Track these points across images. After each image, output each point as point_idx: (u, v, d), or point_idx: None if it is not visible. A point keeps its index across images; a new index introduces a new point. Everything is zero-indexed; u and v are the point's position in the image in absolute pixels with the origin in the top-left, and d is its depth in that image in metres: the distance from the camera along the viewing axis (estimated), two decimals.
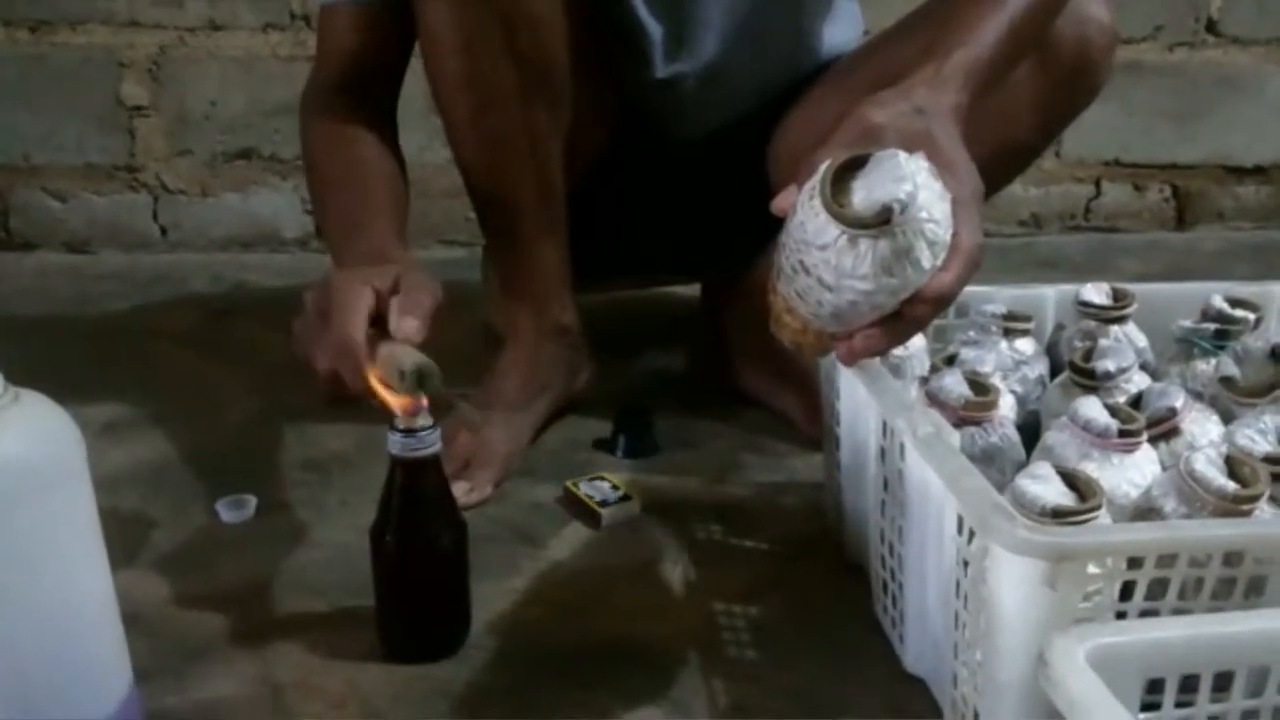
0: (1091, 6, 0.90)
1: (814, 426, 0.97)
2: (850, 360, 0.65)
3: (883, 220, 0.59)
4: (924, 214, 0.59)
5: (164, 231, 1.62)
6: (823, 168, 0.61)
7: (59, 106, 1.54)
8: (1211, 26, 1.73)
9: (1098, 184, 1.81)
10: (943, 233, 0.61)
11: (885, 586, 0.77)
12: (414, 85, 1.04)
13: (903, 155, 0.60)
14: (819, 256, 0.61)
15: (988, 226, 1.88)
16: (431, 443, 0.70)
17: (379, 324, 0.70)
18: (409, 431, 0.69)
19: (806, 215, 0.61)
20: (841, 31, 1.07)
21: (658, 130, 1.07)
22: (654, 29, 0.99)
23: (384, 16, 0.93)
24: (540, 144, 0.94)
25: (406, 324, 0.69)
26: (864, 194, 0.60)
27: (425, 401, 0.69)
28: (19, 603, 0.53)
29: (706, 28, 0.99)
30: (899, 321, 0.63)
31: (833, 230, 0.60)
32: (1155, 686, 0.48)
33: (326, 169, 0.92)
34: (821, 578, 0.85)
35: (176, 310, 1.39)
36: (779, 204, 0.65)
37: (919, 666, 0.73)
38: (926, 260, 0.60)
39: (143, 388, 1.14)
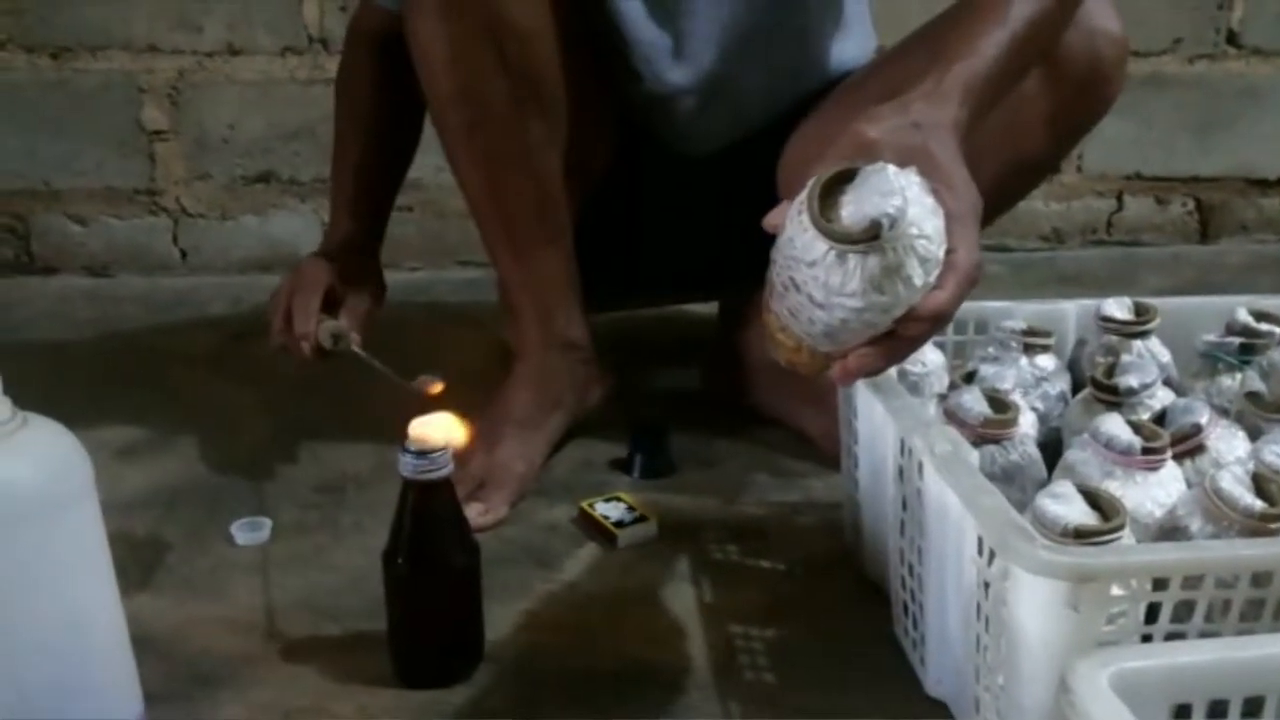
0: (1101, 18, 0.89)
1: (832, 446, 0.95)
2: (846, 380, 0.63)
3: (871, 236, 0.57)
4: (914, 229, 0.58)
5: (184, 255, 1.63)
6: (811, 182, 0.60)
7: (80, 131, 1.55)
8: (1232, 38, 1.71)
9: (1119, 198, 1.79)
10: (935, 249, 0.59)
11: (905, 608, 0.75)
12: None
13: (892, 169, 0.59)
14: (808, 273, 0.59)
15: (1008, 241, 1.86)
16: (443, 464, 0.70)
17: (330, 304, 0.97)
18: (421, 453, 0.69)
19: (795, 231, 0.60)
20: (852, 47, 1.06)
21: (663, 146, 1.07)
22: (650, 41, 0.98)
23: None
24: (536, 157, 0.93)
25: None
26: (852, 209, 0.58)
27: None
28: (25, 626, 0.52)
29: (705, 40, 0.98)
30: (894, 340, 0.62)
31: (821, 246, 0.58)
32: (1182, 712, 0.47)
33: (339, 119, 1.08)
34: (840, 599, 0.84)
35: (195, 332, 1.39)
36: (770, 220, 0.63)
37: (941, 690, 0.71)
38: (918, 277, 0.59)
39: (160, 410, 1.14)
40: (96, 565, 0.56)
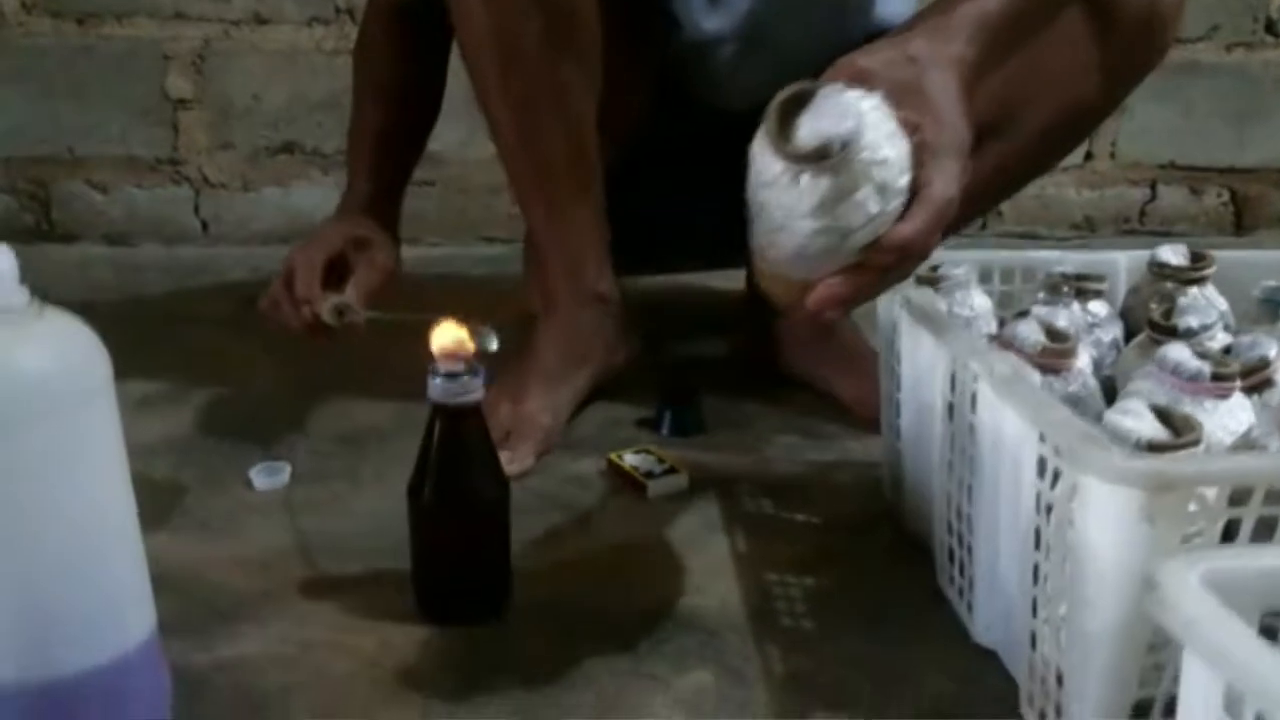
0: None
1: (868, 411, 0.93)
2: (817, 310, 0.61)
3: (821, 156, 0.56)
4: (868, 154, 0.56)
5: (205, 225, 1.61)
6: (772, 102, 0.59)
7: (104, 98, 1.54)
8: (1270, 27, 1.68)
9: (1153, 187, 1.75)
10: (893, 177, 0.58)
11: (951, 554, 0.72)
12: (457, 85, 1.02)
13: (851, 92, 0.58)
14: (768, 195, 0.59)
15: (1038, 229, 1.83)
16: (474, 389, 0.67)
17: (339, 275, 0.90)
18: (451, 375, 0.66)
19: (758, 150, 0.59)
20: (894, 3, 1.04)
21: (699, 100, 1.04)
22: None
23: None
24: (571, 100, 0.91)
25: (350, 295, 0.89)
26: (808, 129, 0.58)
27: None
28: (39, 520, 0.50)
29: None
30: (863, 270, 0.60)
31: (776, 166, 0.58)
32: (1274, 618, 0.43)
33: (358, 87, 1.05)
34: (880, 552, 0.81)
35: (215, 297, 1.37)
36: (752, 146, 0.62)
37: (989, 635, 0.68)
38: (874, 203, 0.57)
39: (179, 367, 1.12)
40: (113, 462, 0.53)
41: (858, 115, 0.57)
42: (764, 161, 0.59)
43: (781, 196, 0.58)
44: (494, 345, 0.75)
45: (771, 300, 0.66)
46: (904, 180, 0.59)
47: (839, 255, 0.60)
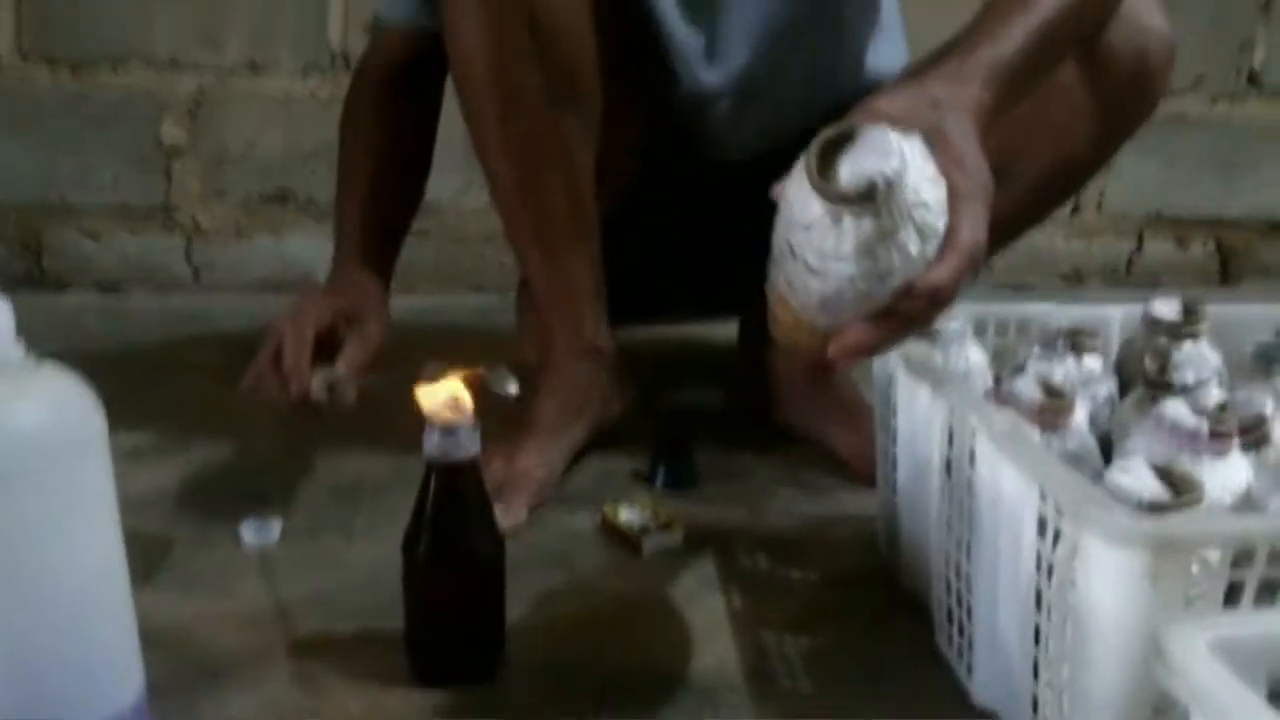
0: (1149, 16, 0.88)
1: (864, 465, 0.92)
2: (841, 358, 0.61)
3: (866, 196, 0.55)
4: (912, 195, 0.56)
5: (197, 273, 1.61)
6: (812, 142, 0.58)
7: (97, 146, 1.55)
8: (1254, 79, 1.71)
9: (1139, 238, 1.77)
10: (934, 219, 0.57)
11: (950, 614, 0.71)
12: (451, 133, 1.03)
13: (892, 132, 0.57)
14: (804, 237, 0.57)
15: (1028, 279, 1.84)
16: (471, 444, 0.66)
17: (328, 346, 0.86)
18: (447, 431, 0.66)
19: (794, 192, 0.58)
20: (888, 52, 1.05)
21: (694, 155, 1.05)
22: (685, 39, 0.97)
23: (434, 41, 0.94)
24: (569, 150, 0.91)
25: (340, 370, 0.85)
26: (850, 169, 0.56)
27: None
28: (29, 577, 0.49)
29: (740, 40, 0.97)
30: (891, 317, 0.60)
31: (817, 207, 0.56)
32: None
33: (345, 158, 1.04)
34: (878, 610, 0.80)
35: (206, 345, 1.37)
36: (776, 188, 0.61)
37: (989, 696, 0.67)
38: (914, 246, 0.56)
39: (169, 416, 1.11)
40: (106, 518, 0.52)
41: (901, 155, 0.56)
42: (800, 203, 0.58)
43: (820, 239, 0.57)
44: (513, 389, 0.74)
45: (793, 347, 0.64)
46: (941, 224, 0.58)
47: (871, 300, 0.58)
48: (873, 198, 0.55)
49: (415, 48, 1.00)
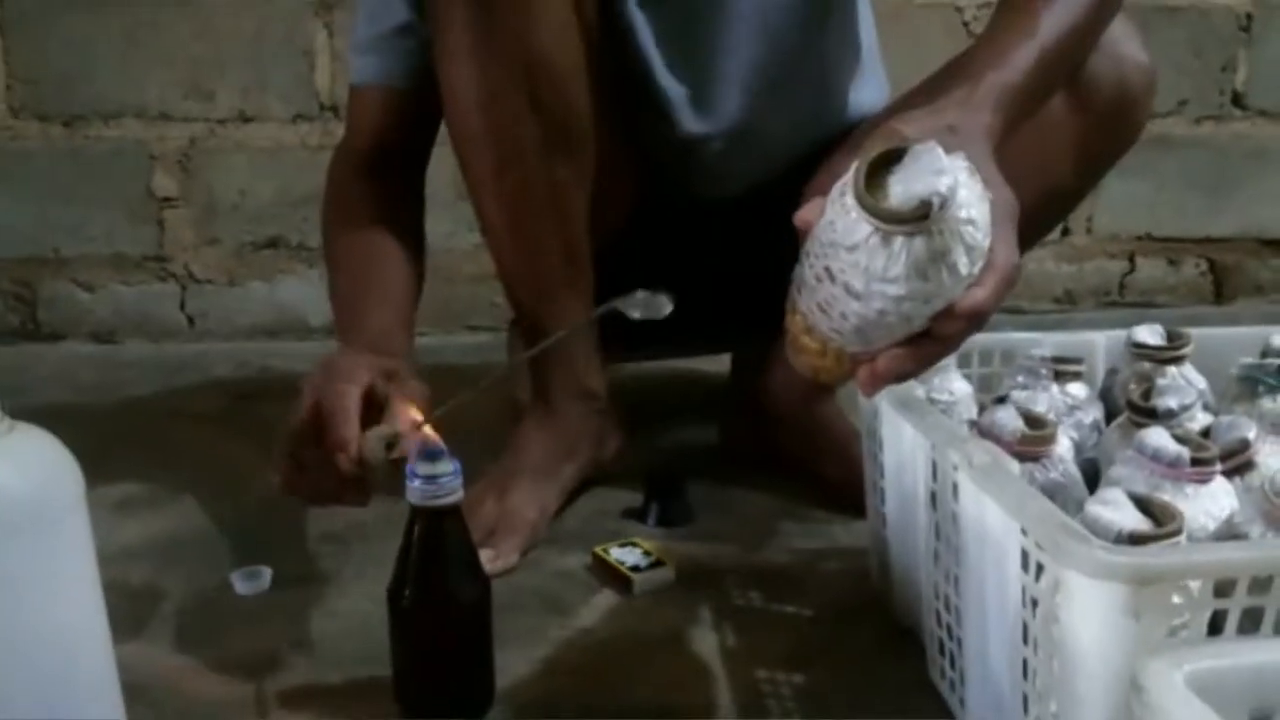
0: (1128, 46, 0.88)
1: (854, 495, 0.92)
2: (872, 386, 0.59)
3: (920, 215, 0.54)
4: (963, 213, 0.55)
5: (191, 321, 1.61)
6: (857, 162, 0.57)
7: (90, 198, 1.56)
8: (1238, 99, 1.72)
9: (1131, 259, 1.78)
10: (981, 239, 0.56)
11: (942, 646, 0.71)
12: (442, 173, 1.03)
13: (941, 150, 0.56)
14: (847, 259, 0.55)
15: (1021, 304, 1.84)
16: (453, 489, 0.66)
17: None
18: (429, 478, 0.66)
19: (836, 214, 0.56)
20: (870, 91, 1.06)
21: (685, 193, 1.06)
22: (675, 87, 0.98)
23: (411, 99, 0.95)
24: (563, 199, 0.92)
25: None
26: (901, 188, 0.55)
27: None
28: (7, 637, 0.49)
29: (730, 86, 0.98)
30: (928, 341, 0.58)
31: (865, 228, 0.55)
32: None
33: (340, 249, 0.95)
34: (871, 644, 0.80)
35: (200, 394, 1.37)
36: (802, 216, 0.60)
37: None
38: (963, 266, 0.55)
39: (160, 465, 1.11)
40: (84, 581, 0.52)
41: (953, 172, 0.55)
42: (846, 224, 0.56)
43: (868, 260, 0.55)
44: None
45: (815, 377, 0.62)
46: (986, 243, 0.56)
47: (910, 325, 0.57)
48: (926, 216, 0.54)
49: (396, 106, 0.97)
